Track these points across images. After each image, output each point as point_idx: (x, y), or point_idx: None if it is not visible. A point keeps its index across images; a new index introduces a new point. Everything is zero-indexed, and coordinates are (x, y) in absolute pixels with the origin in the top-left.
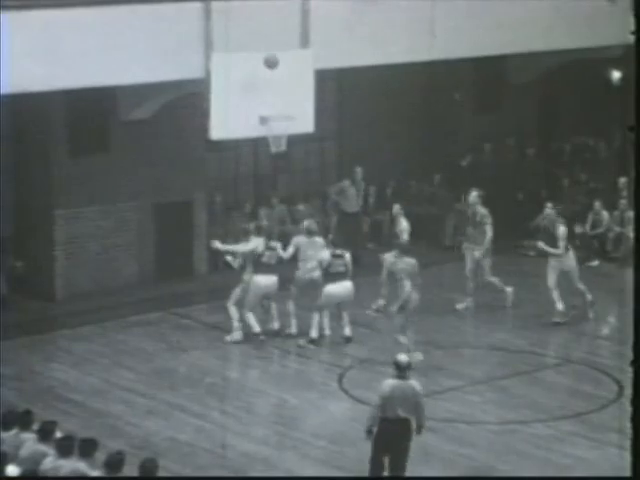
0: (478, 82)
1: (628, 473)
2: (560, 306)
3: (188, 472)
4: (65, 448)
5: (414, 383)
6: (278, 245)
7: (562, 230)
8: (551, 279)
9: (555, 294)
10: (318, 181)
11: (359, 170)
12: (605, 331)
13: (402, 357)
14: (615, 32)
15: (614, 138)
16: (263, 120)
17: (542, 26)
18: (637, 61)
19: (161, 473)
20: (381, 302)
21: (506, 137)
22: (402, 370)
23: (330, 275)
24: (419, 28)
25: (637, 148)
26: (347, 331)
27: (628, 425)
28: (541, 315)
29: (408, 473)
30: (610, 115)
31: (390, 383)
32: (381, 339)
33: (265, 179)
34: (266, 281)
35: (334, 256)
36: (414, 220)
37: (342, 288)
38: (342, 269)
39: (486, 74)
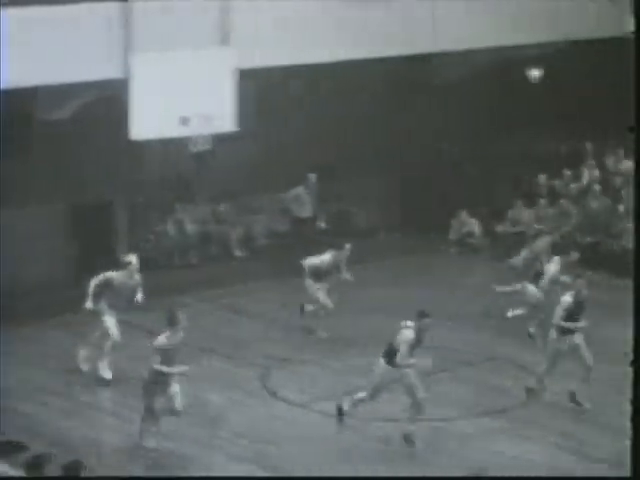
0: (400, 82)
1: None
2: None
3: (110, 472)
4: None
5: None
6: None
7: None
8: None
9: None
10: (240, 180)
11: (312, 176)
12: None
13: None
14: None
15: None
16: (184, 120)
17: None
18: (637, 61)
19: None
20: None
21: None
22: None
23: None
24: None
25: (637, 148)
26: None
27: (627, 425)
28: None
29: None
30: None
31: None
32: (299, 338)
33: (188, 179)
34: None
35: None
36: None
37: None
38: None
39: (401, 72)
